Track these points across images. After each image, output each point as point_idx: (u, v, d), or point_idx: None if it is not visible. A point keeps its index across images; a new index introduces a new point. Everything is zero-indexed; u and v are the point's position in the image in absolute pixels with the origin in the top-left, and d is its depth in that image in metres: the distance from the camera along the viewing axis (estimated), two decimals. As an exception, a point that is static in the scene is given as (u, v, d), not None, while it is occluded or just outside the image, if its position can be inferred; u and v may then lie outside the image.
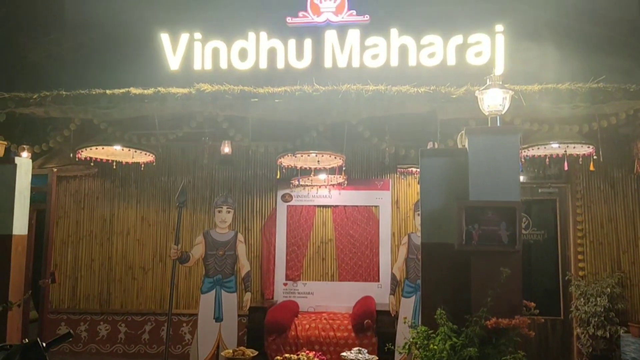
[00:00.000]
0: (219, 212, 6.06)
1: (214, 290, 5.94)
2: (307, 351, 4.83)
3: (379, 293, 6.64)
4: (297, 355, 4.68)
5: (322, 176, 6.36)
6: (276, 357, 4.69)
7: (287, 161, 5.64)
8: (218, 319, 5.88)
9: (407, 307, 5.67)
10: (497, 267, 3.21)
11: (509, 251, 3.23)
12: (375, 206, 6.90)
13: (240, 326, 6.24)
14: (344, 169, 5.50)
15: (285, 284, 6.87)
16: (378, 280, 6.73)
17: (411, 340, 3.03)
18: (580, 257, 6.39)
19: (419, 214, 5.76)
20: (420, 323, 3.30)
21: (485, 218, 3.29)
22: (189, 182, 7.13)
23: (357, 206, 6.92)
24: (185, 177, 6.49)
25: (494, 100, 3.54)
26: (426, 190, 3.53)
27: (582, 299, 6.11)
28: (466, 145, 3.55)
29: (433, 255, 3.47)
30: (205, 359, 5.81)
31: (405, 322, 3.21)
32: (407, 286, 5.74)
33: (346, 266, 6.84)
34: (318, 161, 5.28)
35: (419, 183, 6.48)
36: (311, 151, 5.25)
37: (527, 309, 3.16)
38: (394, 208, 6.87)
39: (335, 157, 5.34)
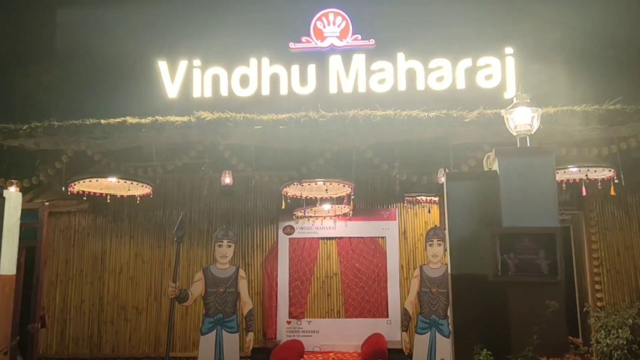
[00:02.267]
0: (219, 246, 5.71)
1: (215, 330, 5.53)
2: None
3: (389, 330, 6.28)
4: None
5: (327, 206, 6.07)
6: (287, 404, 4.29)
7: (292, 190, 5.36)
8: (219, 362, 5.46)
9: (422, 345, 5.31)
10: (538, 299, 2.93)
11: (550, 282, 2.95)
12: (382, 237, 6.61)
13: (241, 370, 5.81)
14: (352, 197, 5.22)
15: (288, 322, 6.48)
16: (387, 316, 6.37)
17: (450, 385, 2.71)
18: (597, 287, 6.12)
19: (430, 245, 5.52)
20: None
21: (521, 246, 3.02)
22: (186, 215, 6.78)
23: (362, 237, 6.62)
24: (182, 210, 6.16)
25: (522, 120, 3.33)
26: (453, 216, 3.26)
27: (602, 332, 5.77)
28: (494, 168, 3.31)
29: (464, 287, 3.18)
30: (206, 406, 5.36)
31: None
32: (420, 322, 5.39)
33: (353, 301, 6.48)
34: (326, 190, 5.01)
35: (430, 211, 6.27)
36: (318, 179, 4.97)
37: (574, 347, 2.86)
38: (401, 239, 6.58)
39: (344, 185, 5.07)
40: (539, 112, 3.39)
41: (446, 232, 3.29)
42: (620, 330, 5.63)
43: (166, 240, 6.80)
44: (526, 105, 3.36)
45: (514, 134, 3.41)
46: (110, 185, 5.54)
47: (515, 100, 3.45)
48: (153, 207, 6.87)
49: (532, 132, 3.37)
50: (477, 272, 3.16)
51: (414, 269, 6.38)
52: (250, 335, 5.65)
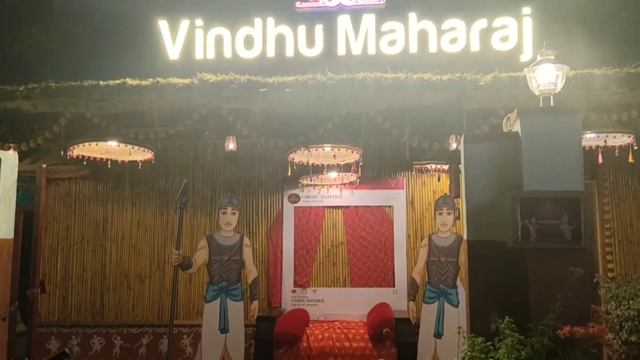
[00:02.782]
0: (224, 213, 5.58)
1: (219, 298, 5.45)
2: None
3: (395, 299, 6.19)
4: (317, 369, 4.22)
5: (334, 174, 5.91)
6: (293, 373, 4.22)
7: (299, 157, 5.19)
8: (224, 330, 5.39)
9: (430, 314, 5.22)
10: (560, 267, 2.79)
11: (573, 248, 2.81)
12: (389, 206, 6.46)
13: (246, 337, 5.75)
14: (360, 164, 5.05)
15: (293, 291, 6.40)
16: (393, 286, 6.28)
17: (467, 354, 2.59)
18: (609, 257, 6.00)
19: (440, 213, 5.38)
20: (468, 332, 2.86)
21: (543, 211, 2.86)
22: (189, 183, 6.64)
23: (369, 207, 6.48)
24: (184, 178, 6.00)
25: (546, 78, 3.13)
26: (471, 180, 3.10)
27: (612, 303, 5.69)
28: (515, 129, 3.13)
29: (481, 254, 3.03)
30: (211, 374, 5.31)
31: (459, 333, 2.76)
32: (428, 291, 5.29)
33: (359, 271, 6.38)
34: (334, 155, 4.84)
35: (440, 179, 6.10)
36: (326, 144, 4.80)
37: (597, 315, 2.73)
38: (409, 208, 6.43)
39: (352, 151, 4.90)
40: (564, 70, 3.19)
41: (462, 196, 3.13)
42: (631, 302, 5.54)
43: (169, 208, 6.67)
44: (550, 62, 3.16)
45: (537, 93, 3.22)
46: (111, 149, 5.38)
47: (538, 57, 3.25)
48: (155, 175, 6.72)
49: (557, 92, 3.18)
50: (495, 239, 3.02)
51: (422, 238, 6.28)
52: (255, 303, 5.57)
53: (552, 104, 3.18)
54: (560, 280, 2.75)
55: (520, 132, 3.01)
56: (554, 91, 3.16)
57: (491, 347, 2.60)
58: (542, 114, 3.04)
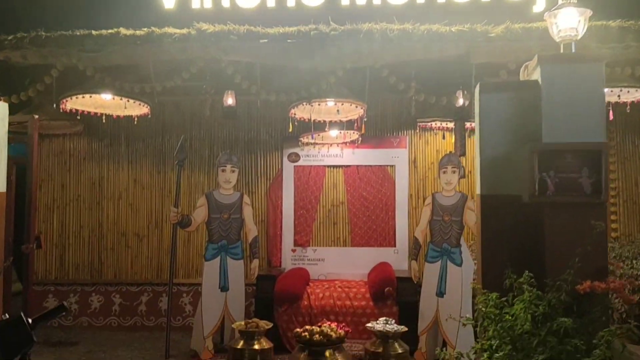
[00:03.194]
0: (223, 171, 5.43)
1: (219, 257, 5.36)
2: (329, 322, 4.32)
3: (396, 259, 6.15)
4: (319, 326, 4.17)
5: (335, 132, 5.75)
6: (296, 330, 4.17)
7: (300, 112, 5.01)
8: (224, 288, 5.33)
9: (432, 273, 5.16)
10: (578, 221, 2.69)
11: (593, 202, 2.70)
12: (391, 166, 6.34)
13: (246, 296, 5.70)
14: (365, 120, 4.89)
15: (293, 250, 6.33)
16: (394, 245, 6.23)
17: (482, 309, 2.50)
18: (613, 217, 5.94)
19: (444, 172, 5.24)
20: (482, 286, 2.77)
21: (563, 164, 2.74)
22: (186, 140, 6.47)
23: (370, 166, 6.35)
24: (182, 135, 5.81)
25: (567, 23, 2.95)
26: (486, 132, 2.96)
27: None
28: (534, 78, 2.97)
29: (494, 210, 2.92)
30: (211, 332, 5.27)
31: (474, 287, 2.67)
32: (431, 250, 5.21)
33: (359, 231, 6.31)
34: (338, 110, 4.67)
35: (445, 137, 5.95)
36: (329, 99, 4.62)
37: (611, 272, 2.65)
38: (411, 167, 6.31)
39: (357, 106, 4.73)
40: (586, 15, 3.01)
41: (476, 149, 3.00)
42: (634, 261, 5.51)
43: (166, 166, 6.52)
44: (573, 6, 2.98)
45: (557, 39, 3.04)
46: (105, 103, 5.18)
47: (560, 1, 3.06)
48: (151, 132, 6.55)
49: (578, 38, 3.01)
50: (510, 193, 2.90)
51: (424, 198, 6.18)
52: (255, 262, 5.50)
53: (573, 50, 3.01)
54: (578, 235, 2.66)
55: (540, 81, 2.86)
56: (575, 37, 2.99)
57: (506, 303, 2.52)
58: (564, 61, 2.87)
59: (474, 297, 5.24)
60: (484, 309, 2.48)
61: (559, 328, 2.25)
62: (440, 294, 5.10)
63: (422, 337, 5.18)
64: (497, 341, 2.36)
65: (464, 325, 2.67)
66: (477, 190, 3.01)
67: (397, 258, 6.16)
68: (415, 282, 5.37)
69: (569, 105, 2.78)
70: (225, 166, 5.44)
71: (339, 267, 6.21)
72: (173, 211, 5.29)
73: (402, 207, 6.25)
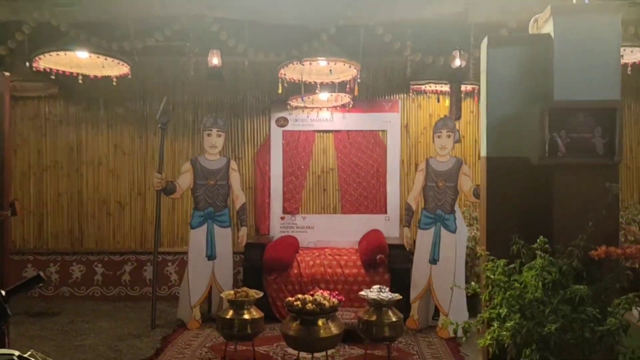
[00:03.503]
0: (208, 135, 5.19)
1: (206, 224, 5.17)
2: (321, 290, 4.19)
3: (387, 226, 6.03)
4: (312, 294, 4.04)
5: (326, 95, 5.51)
6: (287, 299, 4.04)
7: (290, 72, 4.76)
8: (211, 256, 5.16)
9: (425, 240, 5.05)
10: (589, 184, 2.55)
11: (606, 164, 2.56)
12: (383, 130, 6.15)
13: (234, 264, 5.55)
14: (358, 80, 4.66)
15: (282, 218, 6.17)
16: (386, 212, 6.10)
17: (490, 277, 2.37)
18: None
19: (439, 136, 5.07)
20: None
21: (575, 123, 2.58)
22: (169, 103, 6.18)
23: (361, 131, 6.15)
24: (164, 97, 5.51)
25: (583, -28, 2.76)
26: (493, 90, 2.77)
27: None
28: (545, 32, 2.77)
29: (501, 172, 2.76)
30: (198, 302, 5.13)
31: (482, 254, 2.51)
32: (424, 217, 5.09)
33: (350, 197, 6.15)
34: (330, 70, 4.43)
35: (440, 101, 5.73)
36: (320, 58, 4.37)
37: (624, 238, 2.53)
38: (403, 132, 6.13)
39: (350, 66, 4.49)
40: (603, -37, 2.81)
41: (482, 108, 2.82)
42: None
43: (148, 131, 6.24)
44: (588, -46, 2.78)
45: (569, -10, 2.85)
46: (81, 62, 4.86)
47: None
48: (132, 96, 6.24)
49: (593, -12, 2.82)
50: (517, 155, 2.74)
51: (416, 164, 6.04)
52: (243, 230, 5.33)
53: (587, 2, 2.82)
54: (589, 199, 2.52)
55: (552, 34, 2.66)
56: (588, -11, 2.80)
57: (514, 270, 2.38)
58: (579, 13, 2.68)
59: (467, 264, 5.19)
60: (492, 276, 2.34)
61: (573, 296, 2.12)
62: (434, 261, 5.01)
63: (414, 304, 5.11)
64: (505, 310, 2.23)
65: (469, 294, 2.54)
66: (482, 152, 2.84)
67: (389, 225, 6.04)
68: (407, 249, 5.26)
69: (583, 60, 2.60)
70: (211, 130, 5.20)
71: (329, 234, 6.08)
72: (156, 177, 5.06)
73: (393, 173, 6.09)
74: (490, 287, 2.33)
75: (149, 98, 6.22)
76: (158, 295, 5.80)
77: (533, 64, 2.73)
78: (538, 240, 2.34)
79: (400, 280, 5.20)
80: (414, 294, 5.11)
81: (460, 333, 2.57)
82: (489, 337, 2.17)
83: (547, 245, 2.33)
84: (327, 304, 3.90)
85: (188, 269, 5.13)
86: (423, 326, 5.10)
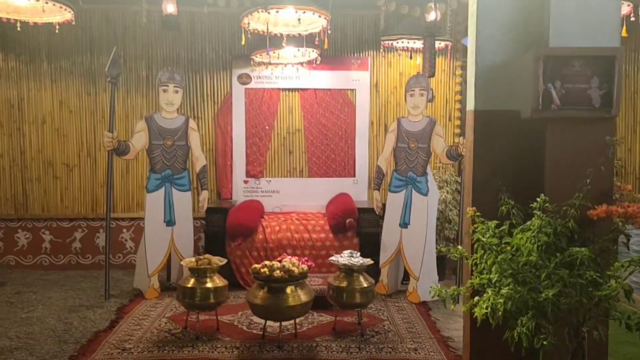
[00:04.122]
0: (164, 91, 4.76)
1: (163, 188, 4.80)
2: (290, 256, 3.94)
3: (356, 190, 5.82)
4: (280, 260, 3.79)
5: (293, 50, 5.14)
6: (254, 266, 3.77)
7: (255, 22, 4.36)
8: (169, 222, 4.82)
9: (396, 203, 4.86)
10: (584, 138, 2.36)
11: (603, 117, 2.36)
12: (351, 89, 5.86)
13: (195, 230, 5.23)
14: (329, 32, 4.32)
15: (245, 182, 5.85)
16: (354, 176, 5.88)
17: (480, 238, 2.16)
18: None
19: (411, 95, 4.83)
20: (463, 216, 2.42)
21: (570, 72, 2.36)
22: (119, 55, 5.67)
23: (329, 89, 5.84)
24: (114, 47, 5.00)
25: None
26: (483, 35, 2.51)
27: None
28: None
29: (489, 127, 2.54)
30: (156, 270, 4.80)
31: (472, 215, 2.29)
32: (395, 179, 4.89)
33: (317, 160, 5.88)
34: (299, 19, 4.07)
35: (412, 58, 5.45)
36: (288, 4, 4.00)
37: (620, 195, 2.37)
38: (372, 92, 5.86)
39: (320, 16, 4.14)
40: None
41: (471, 57, 2.56)
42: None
43: (97, 87, 5.73)
44: None
45: None
46: (19, 7, 4.31)
47: None
48: (78, 48, 5.70)
49: None
50: (507, 108, 2.52)
51: (385, 125, 5.82)
52: (205, 193, 4.99)
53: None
54: (584, 155, 2.33)
55: (549, -26, 2.42)
56: None
57: (504, 232, 2.19)
58: (578, -50, 2.43)
59: (436, 227, 5.06)
60: (483, 238, 2.14)
61: (573, 259, 1.94)
62: (404, 224, 4.84)
63: (384, 269, 4.96)
64: (496, 275, 2.04)
65: (457, 258, 2.34)
66: (469, 106, 2.61)
67: (357, 189, 5.83)
68: (377, 212, 5.07)
69: (580, 3, 2.37)
70: (167, 85, 4.78)
71: (295, 199, 5.82)
72: (107, 136, 4.63)
73: (362, 134, 5.85)
74: (482, 251, 2.13)
75: (97, 50, 5.69)
76: (112, 263, 5.46)
77: (527, 6, 2.48)
78: (539, 199, 2.14)
79: (369, 245, 5.03)
80: (383, 258, 4.95)
81: (449, 302, 2.37)
82: (484, 305, 1.98)
83: (547, 204, 2.13)
84: (296, 270, 3.67)
85: (145, 236, 4.77)
86: (392, 291, 4.97)
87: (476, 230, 2.21)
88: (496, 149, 2.53)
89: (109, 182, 4.71)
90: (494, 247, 2.09)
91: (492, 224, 2.19)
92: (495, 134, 2.52)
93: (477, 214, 2.26)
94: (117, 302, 4.66)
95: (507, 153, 2.52)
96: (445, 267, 5.44)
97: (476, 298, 2.11)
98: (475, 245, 2.18)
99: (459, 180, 5.48)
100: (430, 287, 2.29)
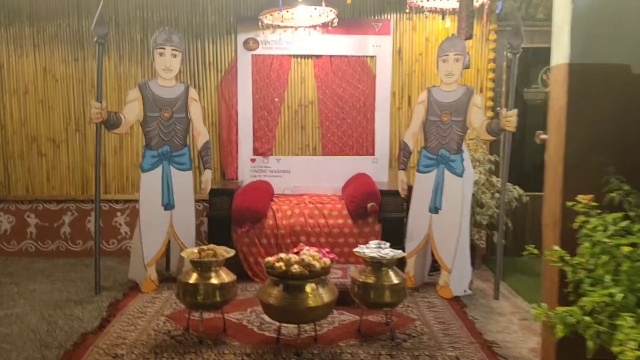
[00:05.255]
0: (161, 55, 4.13)
1: (161, 167, 4.21)
2: (306, 246, 3.36)
3: (375, 169, 5.23)
4: (297, 253, 3.21)
5: (307, 10, 4.48)
6: (267, 259, 3.19)
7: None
8: (168, 205, 4.24)
9: (425, 186, 4.26)
10: None
11: None
12: (371, 56, 5.21)
13: (197, 214, 4.65)
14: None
15: (253, 160, 5.25)
16: (373, 154, 5.27)
17: (603, 240, 1.57)
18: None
19: (444, 60, 4.18)
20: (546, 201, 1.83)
21: None
22: (110, 18, 5.03)
23: (346, 56, 5.20)
24: (100, 3, 4.34)
25: None
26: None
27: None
28: None
29: (590, 86, 1.93)
30: (154, 259, 4.24)
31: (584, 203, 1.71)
32: (424, 158, 4.28)
33: (332, 136, 5.27)
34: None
35: (445, 19, 4.79)
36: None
37: None
38: (395, 59, 5.21)
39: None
40: None
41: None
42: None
43: (85, 53, 5.10)
44: None
45: None
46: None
47: None
48: (63, 10, 5.08)
49: None
50: (614, 61, 1.91)
51: (409, 97, 5.20)
52: (208, 173, 4.38)
53: None
54: None
55: None
56: None
57: (624, 230, 1.59)
58: None
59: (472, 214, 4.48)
60: (605, 239, 1.54)
61: None
62: (435, 209, 4.25)
63: (410, 260, 4.38)
64: (621, 290, 1.46)
65: (559, 265, 1.74)
66: (560, 58, 1.99)
67: (376, 168, 5.23)
68: (403, 195, 4.48)
69: None
70: (164, 48, 4.14)
71: (308, 179, 5.22)
72: (95, 107, 4.00)
73: (383, 107, 5.22)
74: (605, 256, 1.54)
75: (85, 11, 5.04)
76: (105, 250, 4.92)
77: None
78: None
79: (392, 232, 4.46)
80: (409, 247, 4.37)
81: (559, 330, 1.78)
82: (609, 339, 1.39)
83: None
84: (317, 265, 3.09)
85: (140, 221, 4.19)
86: (419, 284, 4.42)
87: (586, 226, 1.62)
88: (599, 115, 1.91)
89: (97, 160, 4.11)
90: (611, 249, 1.50)
91: (614, 217, 1.59)
92: (596, 96, 1.91)
93: (594, 203, 1.66)
94: (109, 296, 4.10)
95: (612, 121, 1.91)
96: (476, 255, 4.87)
97: (587, 320, 1.52)
98: (591, 247, 1.59)
99: (492, 160, 4.89)
100: (533, 309, 1.66)
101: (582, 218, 1.67)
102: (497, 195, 4.74)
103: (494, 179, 4.83)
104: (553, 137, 2.00)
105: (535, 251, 1.73)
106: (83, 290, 4.23)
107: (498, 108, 5.24)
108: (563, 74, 1.95)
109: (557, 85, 1.99)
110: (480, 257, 5.02)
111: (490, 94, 5.14)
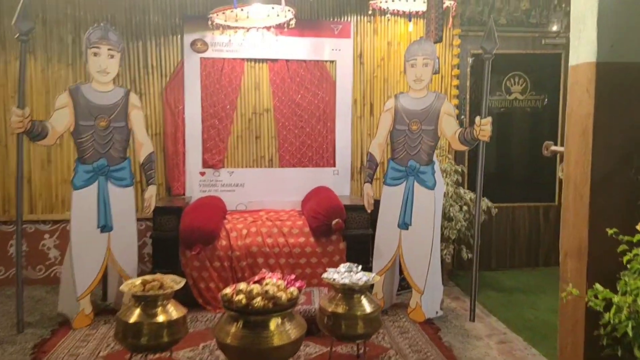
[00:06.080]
0: (95, 55, 3.59)
1: (96, 183, 3.65)
2: (270, 273, 2.93)
3: (336, 182, 4.87)
4: (260, 282, 2.78)
5: (264, 8, 4.07)
6: (223, 292, 2.74)
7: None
8: (105, 227, 3.68)
9: (393, 200, 3.94)
10: None
11: None
12: (331, 61, 4.86)
13: (139, 235, 4.11)
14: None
15: (202, 173, 4.76)
16: (334, 165, 4.91)
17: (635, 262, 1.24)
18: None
19: (412, 65, 3.88)
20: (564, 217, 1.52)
21: None
22: (37, 16, 4.43)
23: (304, 61, 4.82)
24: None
25: None
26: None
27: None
28: None
29: (619, 88, 1.64)
30: (87, 290, 3.66)
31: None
32: (392, 170, 3.96)
33: (290, 146, 4.87)
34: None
35: (411, 20, 4.49)
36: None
37: None
38: (356, 64, 4.89)
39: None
40: None
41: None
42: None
43: (7, 54, 4.46)
44: None
45: None
46: None
47: None
48: (-20, 2, 4.38)
49: None
50: (640, 61, 1.63)
51: (371, 104, 4.90)
52: (152, 189, 3.87)
53: None
54: None
55: None
56: None
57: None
58: None
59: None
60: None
61: None
62: (404, 225, 3.93)
63: (378, 280, 4.02)
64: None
65: (596, 306, 1.41)
66: (585, 56, 1.69)
67: (337, 180, 4.87)
68: (369, 210, 4.13)
69: None
70: (99, 47, 3.61)
71: (264, 193, 4.79)
72: (16, 114, 3.41)
73: (344, 115, 4.88)
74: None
75: (7, 8, 4.39)
76: (31, 278, 4.27)
77: None
78: None
79: (358, 250, 4.13)
80: (377, 266, 4.03)
81: None
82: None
83: None
84: (283, 296, 2.67)
85: (71, 247, 3.62)
86: (387, 305, 4.07)
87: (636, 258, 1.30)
88: (630, 121, 1.62)
89: (19, 175, 3.51)
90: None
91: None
92: (629, 99, 1.62)
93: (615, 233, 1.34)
94: (34, 334, 3.51)
95: None
96: (443, 271, 4.59)
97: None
98: (631, 279, 1.27)
99: (459, 170, 4.65)
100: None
101: (623, 247, 1.36)
102: (464, 208, 4.50)
103: (462, 190, 4.58)
104: (575, 149, 1.70)
105: (575, 291, 1.40)
106: (3, 328, 3.61)
107: (462, 116, 5.03)
108: (588, 75, 1.65)
109: (580, 88, 1.69)
110: (447, 272, 4.76)
111: (455, 101, 4.91)
